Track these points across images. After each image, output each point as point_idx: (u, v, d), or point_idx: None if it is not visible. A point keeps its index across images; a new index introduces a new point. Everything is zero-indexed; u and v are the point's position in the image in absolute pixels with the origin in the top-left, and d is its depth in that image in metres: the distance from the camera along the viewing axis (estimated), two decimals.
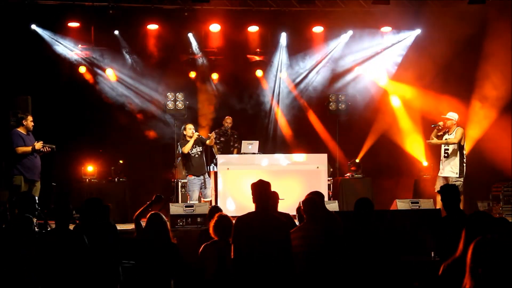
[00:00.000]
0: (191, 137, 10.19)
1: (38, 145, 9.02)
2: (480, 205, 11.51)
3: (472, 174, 11.56)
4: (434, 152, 11.54)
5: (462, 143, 9.86)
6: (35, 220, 8.95)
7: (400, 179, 12.37)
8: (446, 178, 9.84)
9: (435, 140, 10.04)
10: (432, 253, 7.32)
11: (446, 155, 9.90)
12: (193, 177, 10.18)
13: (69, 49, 12.16)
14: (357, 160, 12.02)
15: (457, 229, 5.26)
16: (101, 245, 5.70)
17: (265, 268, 4.90)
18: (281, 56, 13.16)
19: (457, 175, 9.78)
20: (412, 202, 9.61)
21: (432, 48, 12.30)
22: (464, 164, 9.85)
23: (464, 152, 9.90)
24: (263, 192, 5.13)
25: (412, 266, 6.87)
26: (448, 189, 5.59)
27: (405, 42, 12.89)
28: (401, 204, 9.49)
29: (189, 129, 10.27)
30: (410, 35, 12.78)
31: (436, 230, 5.46)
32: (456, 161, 9.80)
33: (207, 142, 10.40)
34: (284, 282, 4.93)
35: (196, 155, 10.21)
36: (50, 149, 9.16)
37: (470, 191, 11.09)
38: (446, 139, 9.91)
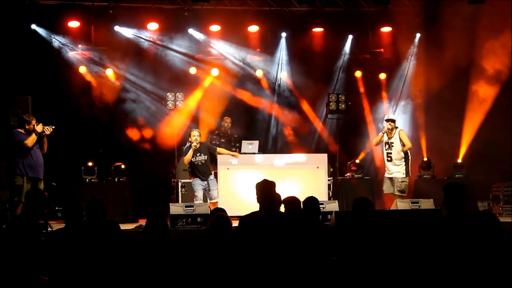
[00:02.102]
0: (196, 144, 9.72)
1: (39, 127, 8.85)
2: (480, 205, 11.49)
3: (472, 174, 11.60)
4: (435, 150, 11.60)
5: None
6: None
7: None
8: (392, 179, 9.91)
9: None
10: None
11: (389, 158, 9.90)
12: (196, 178, 9.75)
13: (68, 47, 12.17)
14: (357, 161, 12.00)
15: (457, 229, 5.28)
16: (103, 243, 5.69)
17: (278, 268, 4.74)
18: (281, 56, 13.16)
19: (404, 175, 9.82)
20: (412, 202, 9.59)
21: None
22: (409, 164, 9.86)
23: (409, 152, 9.87)
24: (267, 192, 5.07)
25: (412, 266, 6.86)
26: (453, 188, 5.32)
27: None
28: (401, 204, 9.47)
29: (193, 136, 9.65)
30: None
31: (436, 230, 5.43)
32: (402, 162, 9.81)
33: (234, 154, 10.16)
34: (296, 282, 4.79)
35: (200, 163, 9.68)
36: (51, 129, 9.04)
37: (470, 191, 11.07)
38: (388, 142, 9.84)
